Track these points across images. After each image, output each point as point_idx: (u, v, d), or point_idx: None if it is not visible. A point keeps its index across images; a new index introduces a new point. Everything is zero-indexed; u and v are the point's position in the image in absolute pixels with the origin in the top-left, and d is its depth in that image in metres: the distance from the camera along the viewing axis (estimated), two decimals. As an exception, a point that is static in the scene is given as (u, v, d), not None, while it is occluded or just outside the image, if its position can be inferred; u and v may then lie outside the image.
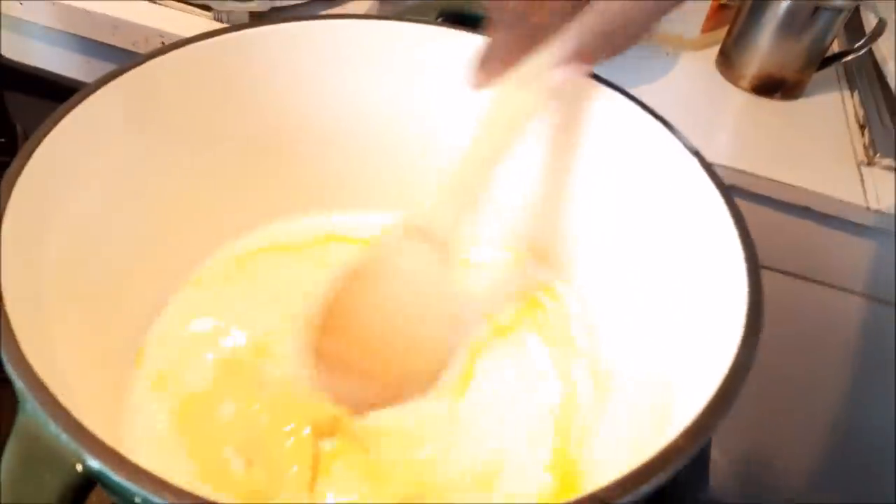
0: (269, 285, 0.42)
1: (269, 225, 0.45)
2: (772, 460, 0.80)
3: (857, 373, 0.74)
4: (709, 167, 0.34)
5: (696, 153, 0.35)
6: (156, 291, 0.40)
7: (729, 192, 0.32)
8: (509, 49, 0.35)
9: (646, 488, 0.23)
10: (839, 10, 0.68)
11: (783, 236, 0.68)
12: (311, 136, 0.44)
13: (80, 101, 0.33)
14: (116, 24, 0.64)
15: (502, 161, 0.36)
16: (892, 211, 0.63)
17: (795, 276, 0.70)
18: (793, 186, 0.65)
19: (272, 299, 0.41)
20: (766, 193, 0.66)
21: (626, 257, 0.39)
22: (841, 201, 0.65)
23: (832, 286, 0.70)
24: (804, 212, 0.66)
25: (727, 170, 0.65)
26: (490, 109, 0.36)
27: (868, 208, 0.64)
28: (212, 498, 0.21)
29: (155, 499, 0.21)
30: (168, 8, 0.66)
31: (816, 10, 0.68)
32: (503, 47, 0.35)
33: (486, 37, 0.35)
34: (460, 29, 0.41)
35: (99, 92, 0.34)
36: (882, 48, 0.74)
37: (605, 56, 0.34)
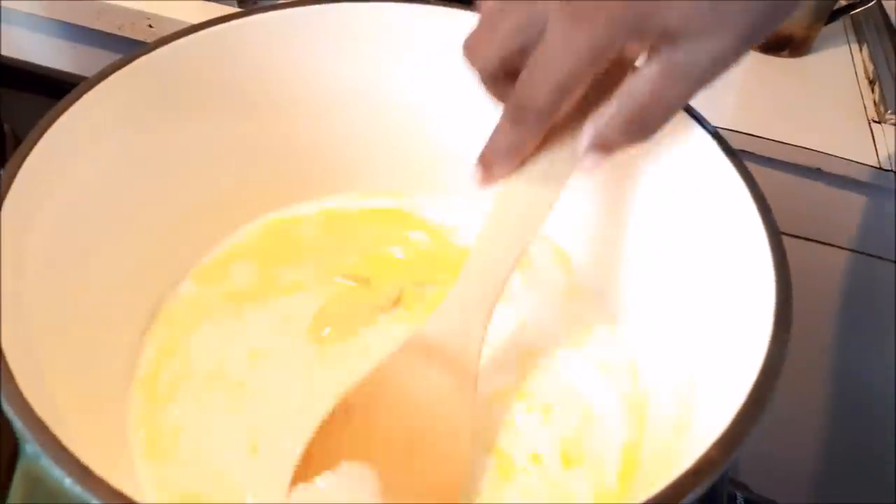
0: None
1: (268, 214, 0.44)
2: (778, 421, 0.80)
3: (868, 333, 0.73)
4: (733, 154, 0.32)
5: (715, 133, 0.33)
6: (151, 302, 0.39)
7: (752, 177, 0.30)
8: (519, 143, 0.31)
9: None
10: (847, -38, 0.66)
11: (794, 198, 0.67)
12: (308, 123, 0.42)
13: (76, 100, 0.32)
14: (101, 9, 0.61)
15: (516, 264, 0.32)
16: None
17: (807, 239, 0.69)
18: (803, 148, 0.64)
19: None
20: (776, 156, 0.64)
21: (641, 253, 0.37)
22: (852, 162, 0.63)
23: (844, 248, 0.69)
24: (815, 173, 0.65)
25: (735, 133, 0.64)
26: (498, 208, 0.32)
27: (880, 168, 0.63)
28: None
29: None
30: (153, -11, 0.63)
31: (824, -39, 0.66)
32: (512, 141, 0.31)
33: (492, 130, 0.31)
34: (455, 7, 0.39)
35: (92, 91, 0.33)
36: (891, -2, 0.72)
37: (629, 144, 0.30)
